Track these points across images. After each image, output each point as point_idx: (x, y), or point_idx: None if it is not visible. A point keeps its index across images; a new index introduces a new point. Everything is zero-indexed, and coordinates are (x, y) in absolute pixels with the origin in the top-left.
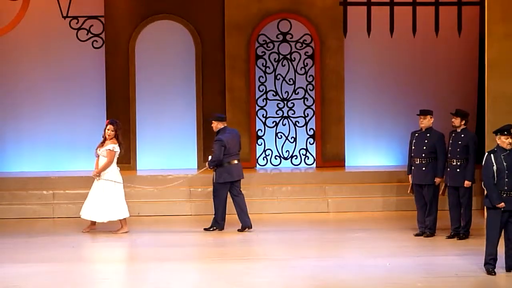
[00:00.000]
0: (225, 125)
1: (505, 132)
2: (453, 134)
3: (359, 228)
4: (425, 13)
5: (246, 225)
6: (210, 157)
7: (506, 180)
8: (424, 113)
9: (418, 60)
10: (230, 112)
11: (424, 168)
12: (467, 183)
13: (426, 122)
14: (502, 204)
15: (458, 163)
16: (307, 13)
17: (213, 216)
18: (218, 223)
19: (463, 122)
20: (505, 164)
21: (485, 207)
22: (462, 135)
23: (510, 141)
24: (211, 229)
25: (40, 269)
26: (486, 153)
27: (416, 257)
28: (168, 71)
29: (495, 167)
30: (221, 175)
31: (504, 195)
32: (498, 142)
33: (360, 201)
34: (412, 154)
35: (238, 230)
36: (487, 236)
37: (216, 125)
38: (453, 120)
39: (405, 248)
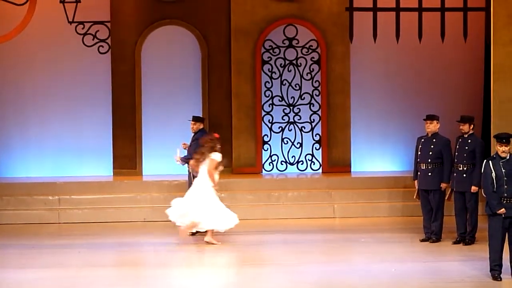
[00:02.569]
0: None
1: (503, 140)
2: (460, 140)
3: (365, 233)
4: (431, 19)
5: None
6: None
7: (505, 187)
8: (430, 118)
9: (424, 65)
10: (236, 117)
11: (430, 174)
12: (474, 188)
13: (433, 127)
14: (503, 210)
15: (465, 168)
16: (313, 19)
17: None
18: None
19: (471, 127)
20: (503, 171)
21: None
22: (469, 141)
23: (504, 149)
24: (197, 232)
25: (46, 275)
26: (485, 161)
27: (422, 262)
28: (174, 76)
29: (493, 174)
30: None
31: (504, 201)
32: (496, 149)
33: (366, 206)
34: (418, 159)
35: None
36: (489, 243)
37: (198, 126)
38: (461, 127)
39: (411, 253)
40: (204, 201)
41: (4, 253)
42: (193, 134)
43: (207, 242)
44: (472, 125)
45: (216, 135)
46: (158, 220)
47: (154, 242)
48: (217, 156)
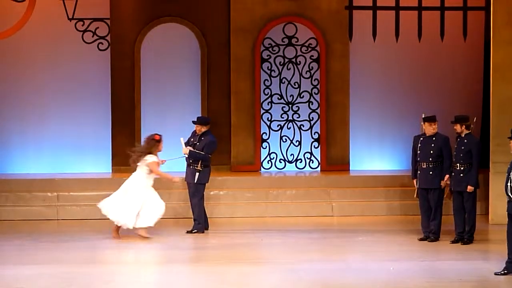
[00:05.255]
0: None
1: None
2: (458, 139)
3: (363, 232)
4: (430, 18)
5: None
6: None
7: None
8: (433, 119)
9: (423, 64)
10: (235, 115)
11: (431, 172)
12: (469, 188)
13: (432, 129)
14: None
15: (462, 168)
16: (312, 17)
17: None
18: (199, 224)
19: (463, 127)
20: (508, 166)
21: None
22: (466, 140)
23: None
24: (194, 231)
25: (44, 271)
26: None
27: (420, 261)
28: (173, 73)
29: None
30: (206, 176)
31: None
32: None
33: (365, 205)
34: (418, 159)
35: (188, 232)
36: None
37: (200, 128)
38: (454, 128)
39: (409, 252)
40: (129, 200)
41: (2, 249)
42: (198, 135)
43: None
44: (464, 125)
45: (157, 137)
46: None
47: (152, 239)
48: (152, 158)
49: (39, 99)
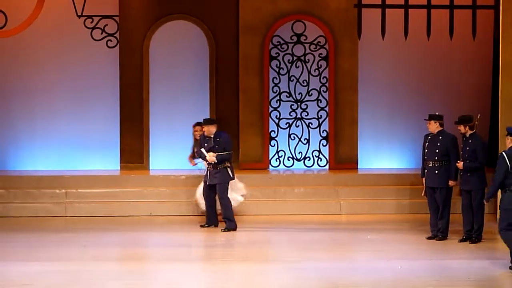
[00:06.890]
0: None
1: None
2: (463, 139)
3: (371, 230)
4: (439, 16)
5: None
6: (222, 153)
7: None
8: (429, 118)
9: (432, 63)
10: (243, 113)
11: (437, 171)
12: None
13: (431, 127)
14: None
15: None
16: (321, 15)
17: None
18: (232, 221)
19: (467, 128)
20: (509, 164)
21: None
22: (470, 141)
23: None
24: (226, 229)
25: (52, 268)
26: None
27: (428, 260)
28: (182, 71)
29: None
30: (233, 172)
31: None
32: None
33: (373, 203)
34: (425, 157)
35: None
36: None
37: (209, 129)
38: (458, 128)
39: (417, 251)
40: None
41: (10, 246)
42: (211, 136)
43: None
44: (468, 126)
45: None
46: (164, 215)
47: (160, 237)
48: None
49: (47, 96)
